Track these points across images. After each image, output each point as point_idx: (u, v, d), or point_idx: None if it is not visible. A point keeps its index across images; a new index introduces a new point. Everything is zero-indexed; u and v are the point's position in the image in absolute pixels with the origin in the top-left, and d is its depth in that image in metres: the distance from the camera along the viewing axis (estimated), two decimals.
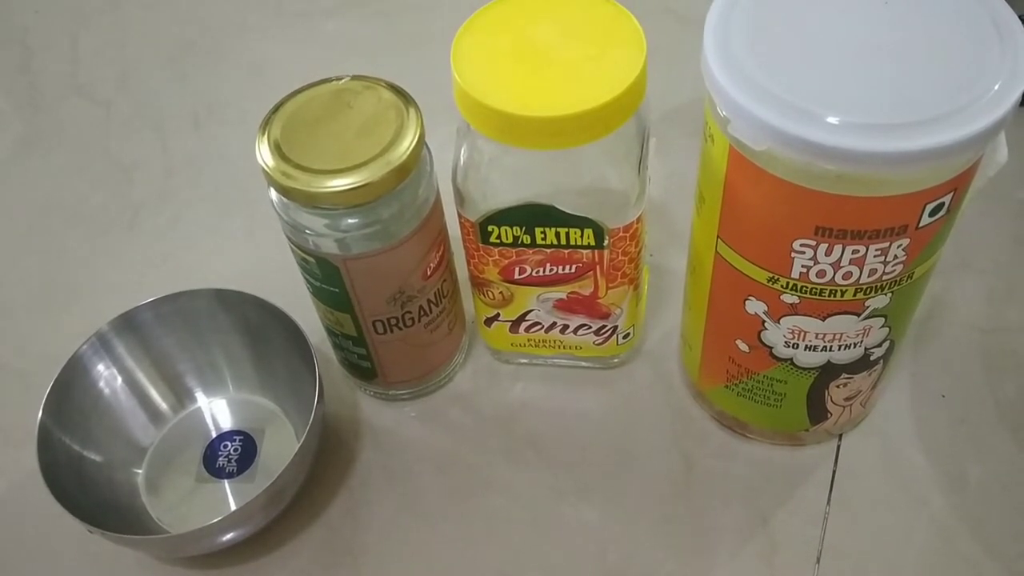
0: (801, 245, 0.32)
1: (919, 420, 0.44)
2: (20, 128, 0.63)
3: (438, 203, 0.40)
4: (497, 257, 0.40)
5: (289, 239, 0.39)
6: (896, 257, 0.32)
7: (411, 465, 0.45)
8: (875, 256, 0.32)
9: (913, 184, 0.30)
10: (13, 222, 0.58)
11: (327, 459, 0.45)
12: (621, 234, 0.38)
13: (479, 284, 0.43)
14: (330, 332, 0.44)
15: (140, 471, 0.44)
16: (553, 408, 0.46)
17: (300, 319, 0.42)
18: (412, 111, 0.37)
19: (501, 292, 0.42)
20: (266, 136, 0.37)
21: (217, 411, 0.46)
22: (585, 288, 0.41)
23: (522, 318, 0.44)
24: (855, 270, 0.33)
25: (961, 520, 0.41)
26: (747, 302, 0.36)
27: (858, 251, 0.32)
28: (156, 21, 0.70)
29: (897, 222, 0.31)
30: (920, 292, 0.36)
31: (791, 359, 0.38)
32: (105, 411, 0.44)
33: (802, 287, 0.34)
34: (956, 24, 0.31)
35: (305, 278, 0.41)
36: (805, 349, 0.37)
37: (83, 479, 0.41)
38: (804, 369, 0.38)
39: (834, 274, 0.33)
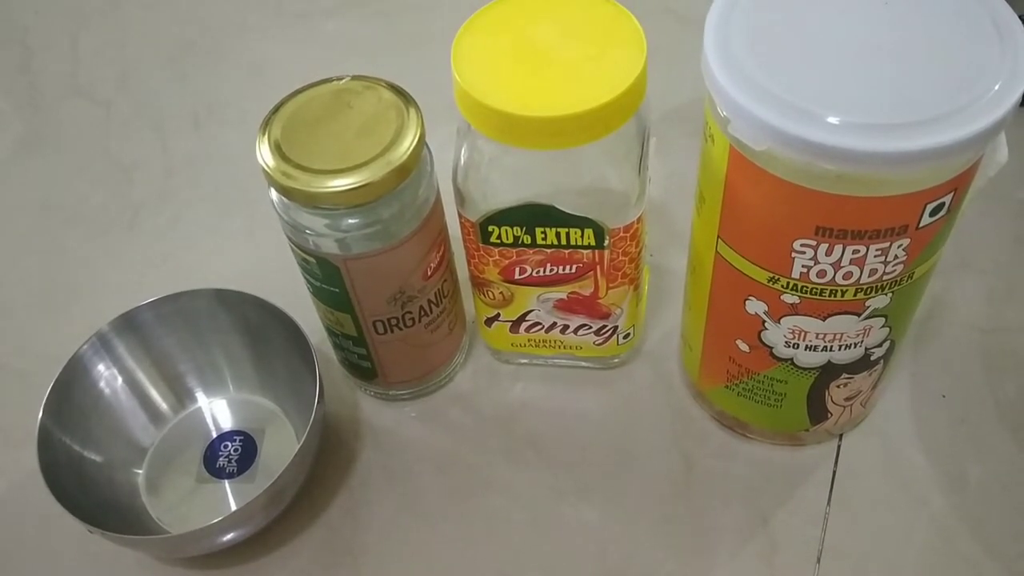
0: (801, 245, 0.32)
1: (919, 420, 0.44)
2: (20, 128, 0.63)
3: (438, 203, 0.40)
4: (497, 257, 0.40)
5: (289, 239, 0.39)
6: (896, 257, 0.32)
7: (411, 465, 0.45)
8: (875, 256, 0.32)
9: (913, 184, 0.30)
10: (13, 222, 0.58)
11: (327, 459, 0.45)
12: (621, 234, 0.38)
13: (479, 284, 0.43)
14: (330, 332, 0.44)
15: (140, 471, 0.44)
16: (553, 408, 0.46)
17: (300, 319, 0.42)
18: (412, 111, 0.37)
19: (501, 292, 0.42)
20: (266, 136, 0.37)
21: (217, 411, 0.46)
22: (585, 288, 0.41)
23: (522, 318, 0.44)
24: (855, 270, 0.33)
25: (961, 520, 0.41)
26: (747, 302, 0.36)
27: (858, 251, 0.32)
28: (156, 21, 0.70)
29: (897, 222, 0.31)
30: (920, 292, 0.36)
31: (791, 359, 0.38)
32: (105, 411, 0.44)
33: (802, 287, 0.34)
34: (956, 24, 0.31)
35: (305, 278, 0.41)
36: (805, 349, 0.37)
37: (83, 479, 0.41)
38: (804, 369, 0.38)
39: (834, 274, 0.33)
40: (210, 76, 0.65)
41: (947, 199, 0.31)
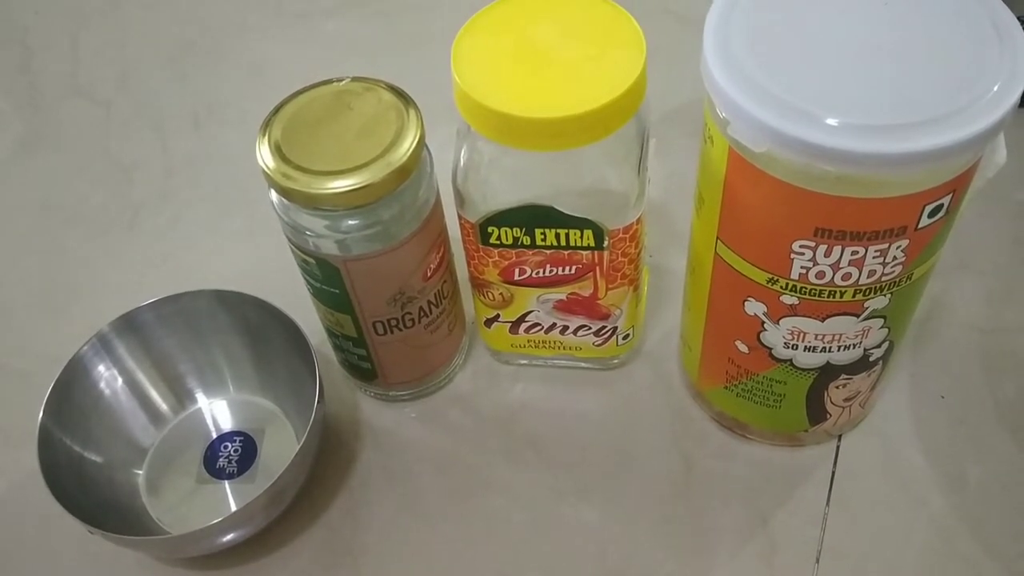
0: (800, 246, 0.32)
1: (919, 421, 0.44)
2: (20, 128, 0.63)
3: (438, 204, 0.40)
4: (497, 258, 0.40)
5: (289, 240, 0.39)
6: (895, 258, 0.32)
7: (411, 465, 0.45)
8: (874, 257, 0.32)
9: (912, 185, 0.30)
10: (13, 222, 0.58)
11: (327, 460, 0.45)
12: (621, 235, 0.38)
13: (479, 285, 0.43)
14: (330, 333, 0.44)
15: (140, 472, 0.44)
16: (553, 409, 0.46)
17: (300, 320, 0.42)
18: (412, 112, 0.37)
19: (501, 293, 0.43)
20: (267, 137, 0.37)
21: (217, 412, 0.46)
22: (585, 289, 0.41)
23: (522, 319, 0.44)
24: (854, 271, 0.33)
25: (961, 520, 0.41)
26: (746, 303, 0.36)
27: (857, 252, 0.32)
28: (156, 21, 0.70)
29: (896, 223, 0.31)
30: (919, 293, 0.36)
31: (790, 360, 0.38)
32: (106, 412, 0.44)
33: (801, 288, 0.34)
34: (956, 24, 0.31)
35: (305, 279, 0.41)
36: (804, 350, 0.37)
37: (83, 479, 0.42)
38: (803, 370, 0.38)
39: (833, 275, 0.33)
40: (210, 76, 0.65)
41: (946, 200, 0.31)
